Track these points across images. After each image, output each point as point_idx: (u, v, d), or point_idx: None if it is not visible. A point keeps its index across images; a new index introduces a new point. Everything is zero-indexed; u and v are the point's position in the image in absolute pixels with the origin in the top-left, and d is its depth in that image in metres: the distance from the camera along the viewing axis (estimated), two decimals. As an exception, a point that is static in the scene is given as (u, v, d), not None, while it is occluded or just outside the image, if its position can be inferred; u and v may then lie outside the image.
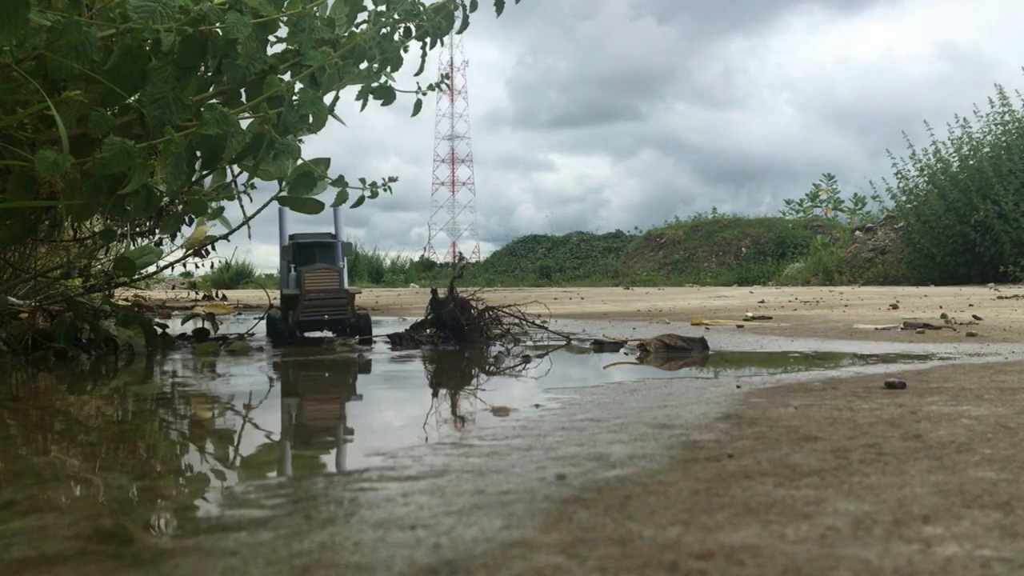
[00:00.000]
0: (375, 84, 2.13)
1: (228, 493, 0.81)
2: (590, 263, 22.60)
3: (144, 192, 1.81)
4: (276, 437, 1.18)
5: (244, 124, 1.90)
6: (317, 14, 1.94)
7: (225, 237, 2.72)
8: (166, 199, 2.58)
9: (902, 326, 3.18)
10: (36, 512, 0.73)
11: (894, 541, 0.61)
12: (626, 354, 2.29)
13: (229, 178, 2.35)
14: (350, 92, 2.14)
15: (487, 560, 0.58)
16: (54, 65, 1.59)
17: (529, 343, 2.65)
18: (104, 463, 0.97)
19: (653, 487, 0.78)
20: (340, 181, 2.21)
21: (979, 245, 11.45)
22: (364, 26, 2.05)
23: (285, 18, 1.85)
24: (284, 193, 2.23)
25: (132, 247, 3.20)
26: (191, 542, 0.64)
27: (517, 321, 2.79)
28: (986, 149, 12.08)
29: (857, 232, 15.88)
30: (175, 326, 3.44)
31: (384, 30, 2.05)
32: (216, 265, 3.52)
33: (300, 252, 2.85)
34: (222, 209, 2.61)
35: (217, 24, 1.68)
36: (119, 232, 3.07)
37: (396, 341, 2.60)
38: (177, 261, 2.99)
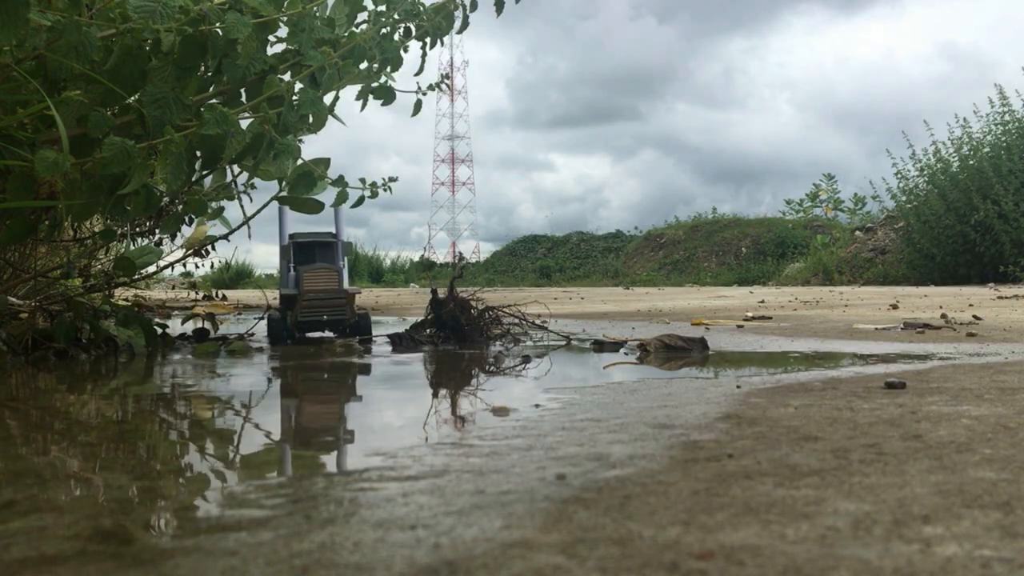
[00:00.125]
0: (375, 84, 2.13)
1: (228, 493, 0.81)
2: (590, 263, 22.59)
3: (144, 192, 1.81)
4: (276, 437, 1.18)
5: (244, 124, 1.90)
6: (317, 14, 1.94)
7: (225, 237, 2.71)
8: (166, 199, 2.58)
9: (902, 326, 3.18)
10: (36, 512, 0.73)
11: (894, 541, 0.61)
12: (626, 354, 2.29)
13: (229, 178, 2.35)
14: (350, 92, 2.14)
15: (487, 560, 0.58)
16: (54, 65, 1.59)
17: (529, 343, 2.65)
18: (104, 463, 0.97)
19: (653, 487, 0.78)
20: (340, 181, 2.21)
21: (979, 245, 11.45)
22: (364, 26, 2.05)
23: (285, 18, 1.85)
24: (284, 193, 2.23)
25: (132, 247, 3.20)
26: (191, 542, 0.64)
27: (517, 321, 2.80)
28: (986, 149, 12.08)
29: (857, 232, 15.88)
30: (175, 326, 3.44)
31: (384, 30, 2.05)
32: (216, 265, 3.52)
33: (300, 252, 2.84)
34: (222, 209, 2.61)
35: (217, 24, 1.68)
36: (119, 232, 3.07)
37: (396, 341, 2.60)
38: (177, 261, 2.99)
